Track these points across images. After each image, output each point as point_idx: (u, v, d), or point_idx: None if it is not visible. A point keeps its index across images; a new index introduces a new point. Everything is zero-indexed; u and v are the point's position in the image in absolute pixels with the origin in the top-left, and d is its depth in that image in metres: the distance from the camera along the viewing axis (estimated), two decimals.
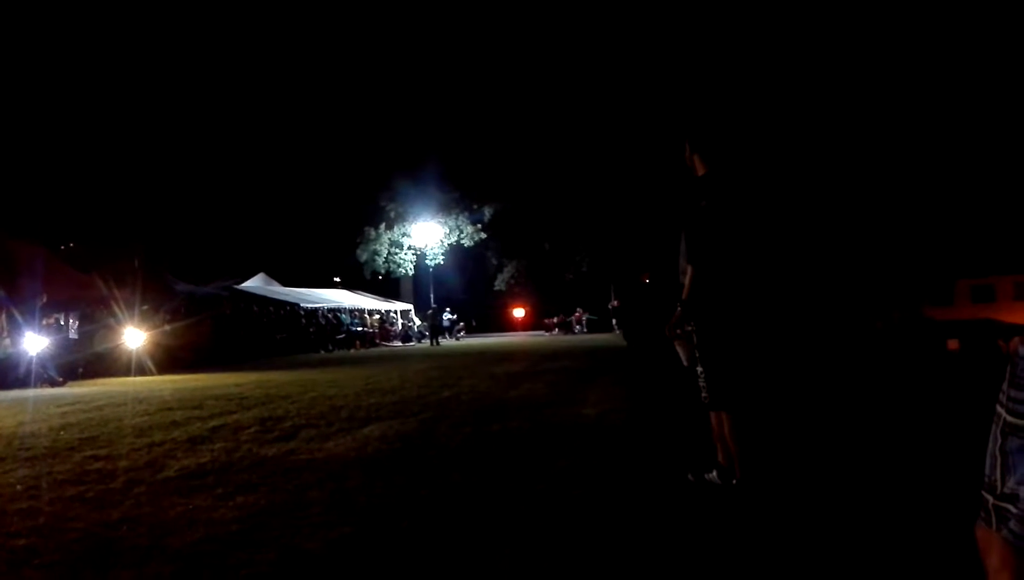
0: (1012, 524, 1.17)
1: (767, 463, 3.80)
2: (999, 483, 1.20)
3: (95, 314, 19.33)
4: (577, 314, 43.61)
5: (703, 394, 3.94)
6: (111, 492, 4.43)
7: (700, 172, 3.90)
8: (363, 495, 4.19)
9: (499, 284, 48.67)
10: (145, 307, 19.95)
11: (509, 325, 52.16)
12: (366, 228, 44.94)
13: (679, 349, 3.88)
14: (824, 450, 5.04)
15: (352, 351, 28.83)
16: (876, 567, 2.85)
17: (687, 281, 3.73)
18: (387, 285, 46.47)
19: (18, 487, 4.62)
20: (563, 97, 40.89)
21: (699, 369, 3.96)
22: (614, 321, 38.00)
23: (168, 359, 18.10)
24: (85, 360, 17.00)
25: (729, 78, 26.91)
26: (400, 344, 35.16)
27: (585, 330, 41.63)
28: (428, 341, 33.68)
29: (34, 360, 14.35)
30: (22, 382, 13.98)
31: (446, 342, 35.03)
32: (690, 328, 3.76)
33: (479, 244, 46.77)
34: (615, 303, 40.03)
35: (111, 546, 3.35)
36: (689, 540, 3.23)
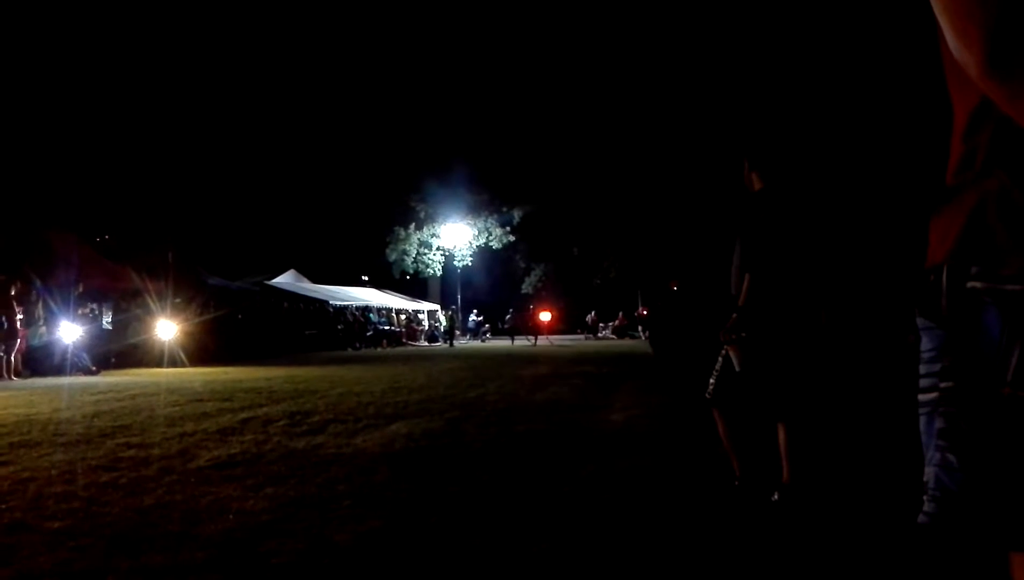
0: (926, 506, 1.18)
1: (803, 471, 3.77)
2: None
3: (128, 305, 19.64)
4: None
5: (709, 388, 4.10)
6: (144, 479, 4.50)
7: (757, 187, 4.04)
8: (391, 490, 4.23)
9: (526, 287, 48.64)
10: (177, 300, 20.23)
11: (535, 328, 52.09)
12: (396, 228, 45.18)
13: (732, 354, 3.91)
14: (856, 460, 4.99)
15: (379, 350, 28.98)
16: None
17: (744, 287, 3.80)
18: (415, 285, 46.69)
19: (53, 472, 4.71)
20: (597, 102, 40.84)
21: (717, 366, 4.08)
22: (640, 327, 37.79)
23: (199, 351, 18.33)
24: (118, 350, 17.27)
25: (765, 91, 26.74)
26: (427, 344, 35.27)
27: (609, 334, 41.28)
28: (448, 342, 33.95)
29: (69, 348, 14.61)
30: (57, 370, 14.26)
31: (473, 343, 35.11)
32: (745, 334, 3.81)
33: (507, 246, 46.83)
34: (643, 310, 39.84)
35: (144, 531, 3.40)
36: (714, 547, 3.22)
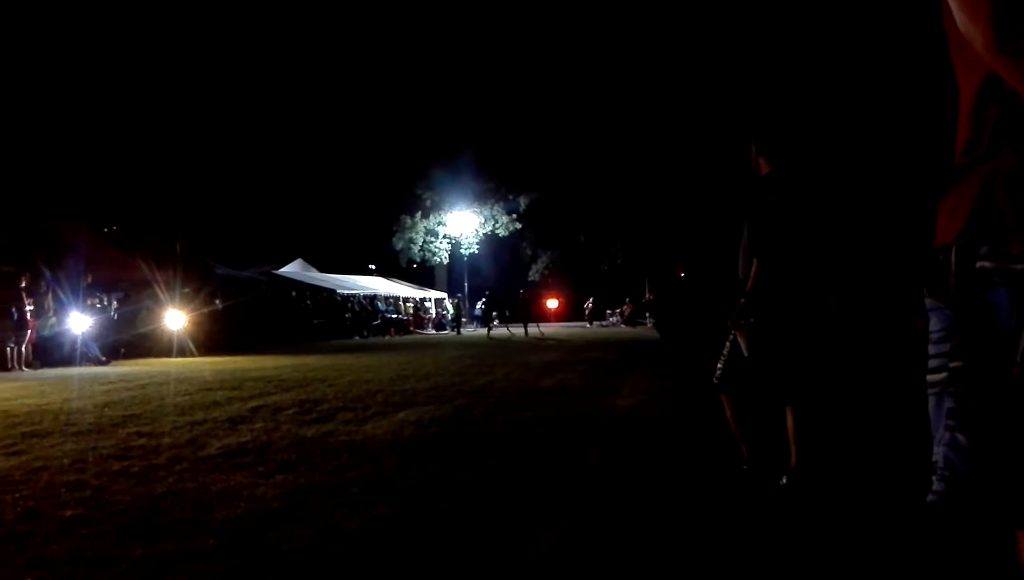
0: (935, 485, 1.18)
1: (811, 455, 3.78)
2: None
3: (137, 295, 19.72)
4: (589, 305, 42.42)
5: (717, 372, 4.09)
6: (155, 468, 4.53)
7: (764, 171, 4.02)
8: (400, 477, 4.25)
9: (533, 274, 48.64)
10: (186, 290, 20.28)
11: (543, 316, 52.03)
12: (402, 216, 45.23)
13: (740, 339, 3.90)
14: (864, 444, 4.99)
15: (387, 338, 29.04)
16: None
17: (752, 272, 3.79)
18: (422, 273, 46.76)
19: (65, 461, 4.74)
20: (602, 88, 40.69)
21: (724, 350, 4.07)
22: (647, 314, 37.72)
23: (208, 341, 18.40)
24: (127, 340, 17.35)
25: (775, 75, 26.56)
26: (434, 332, 35.34)
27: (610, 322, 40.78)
28: (455, 330, 33.98)
29: (79, 339, 14.69)
30: (67, 360, 14.35)
31: (480, 331, 35.12)
32: (753, 319, 3.80)
33: (514, 234, 46.81)
34: (650, 296, 39.77)
35: (156, 519, 3.43)
36: (722, 531, 3.23)
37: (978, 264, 1.10)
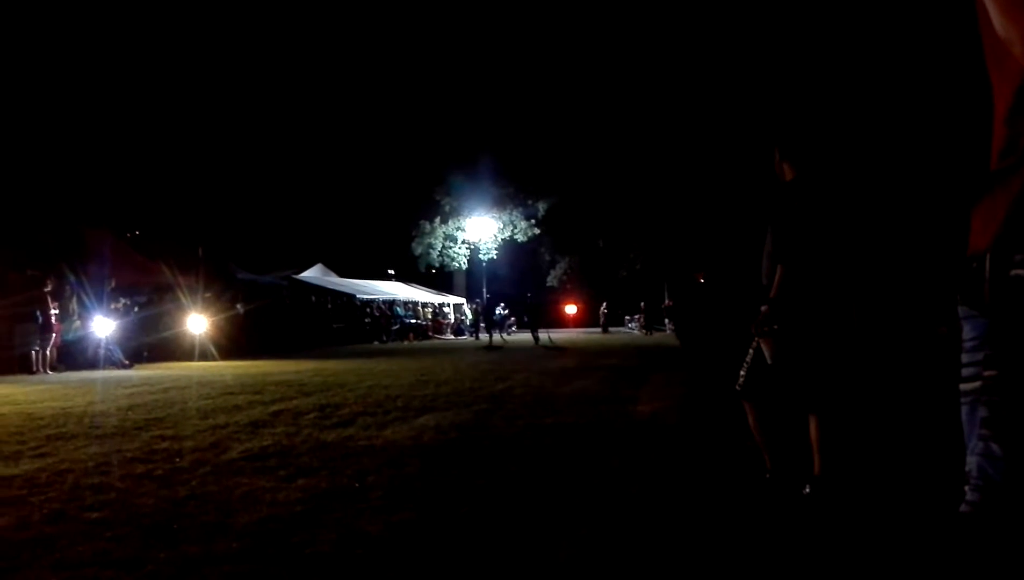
0: (968, 495, 1.16)
1: (835, 463, 3.74)
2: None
3: (160, 300, 19.91)
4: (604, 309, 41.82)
5: (740, 379, 4.05)
6: (178, 471, 4.57)
7: (788, 177, 4.00)
8: (421, 482, 4.25)
9: (552, 280, 48.58)
10: (207, 294, 20.46)
11: (561, 322, 51.93)
12: (421, 222, 45.32)
13: (764, 347, 3.87)
14: (888, 452, 4.94)
15: (406, 343, 29.12)
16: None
17: (776, 279, 3.76)
18: (440, 279, 46.84)
19: (90, 464, 4.79)
20: (623, 93, 40.63)
21: (747, 357, 4.04)
22: (667, 320, 37.51)
23: (229, 345, 18.54)
24: (150, 344, 17.51)
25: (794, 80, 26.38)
26: (452, 337, 35.38)
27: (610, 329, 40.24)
28: (474, 335, 33.95)
29: (102, 342, 14.85)
30: (91, 363, 14.51)
31: (498, 336, 35.13)
32: (777, 326, 3.77)
33: (532, 240, 46.77)
34: (669, 302, 39.53)
35: (179, 522, 3.45)
36: (745, 540, 3.20)
37: (1013, 272, 1.09)
